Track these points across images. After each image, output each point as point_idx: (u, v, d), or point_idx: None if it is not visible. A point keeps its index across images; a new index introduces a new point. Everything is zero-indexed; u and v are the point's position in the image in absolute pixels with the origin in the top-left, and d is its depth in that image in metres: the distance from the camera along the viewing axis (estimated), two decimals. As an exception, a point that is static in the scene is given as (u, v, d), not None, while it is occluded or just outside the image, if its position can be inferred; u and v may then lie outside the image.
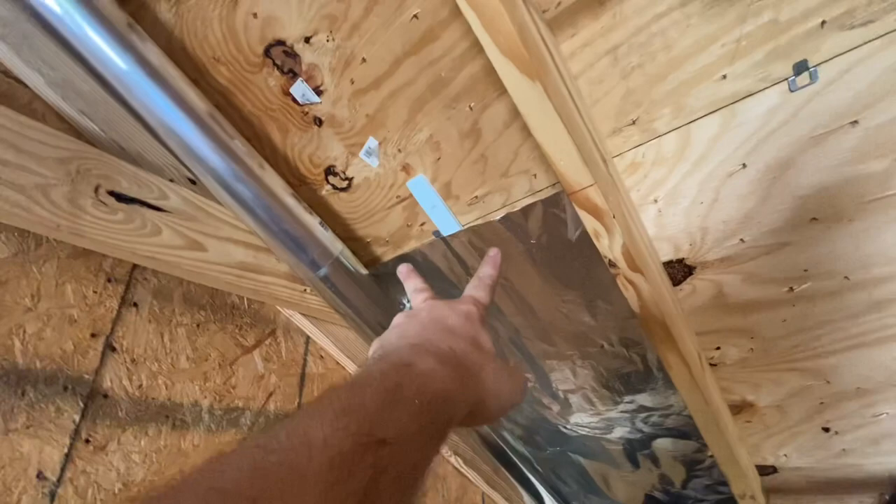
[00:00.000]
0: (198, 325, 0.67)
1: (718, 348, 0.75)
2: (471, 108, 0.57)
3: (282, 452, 0.19)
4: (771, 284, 0.64)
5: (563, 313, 0.81)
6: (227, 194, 0.61)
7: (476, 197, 0.66)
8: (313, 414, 0.22)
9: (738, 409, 0.83)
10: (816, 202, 0.55)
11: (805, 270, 0.61)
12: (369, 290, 0.76)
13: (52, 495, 0.48)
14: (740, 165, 0.55)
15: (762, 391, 0.79)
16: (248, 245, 0.71)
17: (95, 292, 0.57)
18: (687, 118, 0.53)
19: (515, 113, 0.53)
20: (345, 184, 0.70)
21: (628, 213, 0.59)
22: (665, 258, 0.67)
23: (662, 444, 1.02)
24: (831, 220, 0.56)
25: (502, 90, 0.50)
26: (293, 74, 0.59)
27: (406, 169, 0.66)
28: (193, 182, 0.68)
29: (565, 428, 1.09)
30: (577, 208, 0.55)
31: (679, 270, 0.67)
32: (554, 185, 0.61)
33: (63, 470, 0.49)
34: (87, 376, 0.54)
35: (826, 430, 0.80)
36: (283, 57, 0.58)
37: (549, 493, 1.31)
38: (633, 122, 0.55)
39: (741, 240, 0.61)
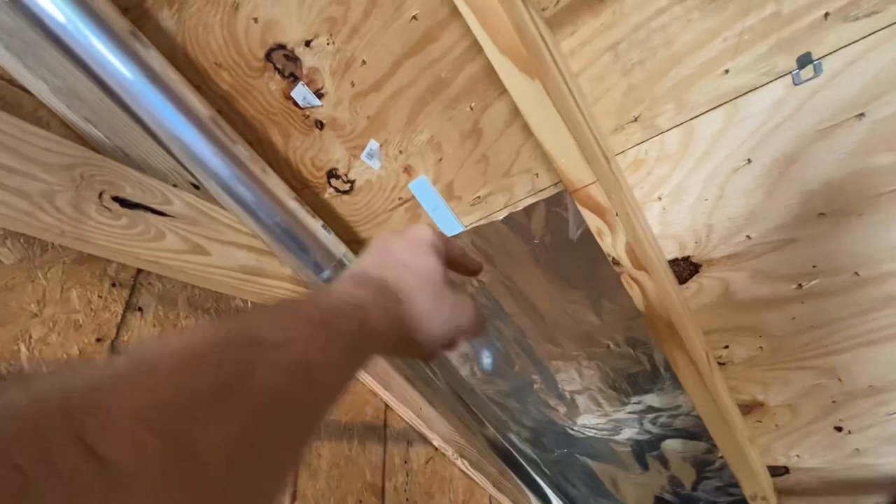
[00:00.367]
0: (202, 330, 0.67)
1: (726, 347, 0.74)
2: (471, 109, 0.57)
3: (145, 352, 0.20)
4: (779, 281, 0.63)
5: (567, 313, 0.80)
6: (230, 198, 0.61)
7: (478, 197, 0.66)
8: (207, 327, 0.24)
9: (748, 408, 0.82)
10: (824, 197, 0.54)
11: (814, 266, 0.60)
12: (373, 293, 0.76)
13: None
14: (745, 161, 0.54)
15: (772, 390, 0.77)
16: (252, 249, 0.71)
17: (100, 297, 0.58)
18: (690, 114, 0.53)
19: (516, 112, 0.53)
20: (347, 186, 0.70)
21: (631, 211, 0.58)
22: (670, 256, 0.66)
23: (672, 445, 1.00)
24: (839, 215, 0.55)
25: (502, 90, 0.50)
26: (294, 78, 0.59)
27: (408, 170, 0.65)
28: (197, 187, 0.69)
29: (572, 430, 1.08)
30: (579, 206, 0.54)
31: (685, 268, 0.67)
32: (556, 184, 0.61)
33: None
34: (92, 381, 0.54)
35: (839, 429, 0.79)
36: (283, 61, 0.58)
37: (556, 495, 1.30)
38: (636, 119, 0.55)
39: (747, 236, 0.60)
